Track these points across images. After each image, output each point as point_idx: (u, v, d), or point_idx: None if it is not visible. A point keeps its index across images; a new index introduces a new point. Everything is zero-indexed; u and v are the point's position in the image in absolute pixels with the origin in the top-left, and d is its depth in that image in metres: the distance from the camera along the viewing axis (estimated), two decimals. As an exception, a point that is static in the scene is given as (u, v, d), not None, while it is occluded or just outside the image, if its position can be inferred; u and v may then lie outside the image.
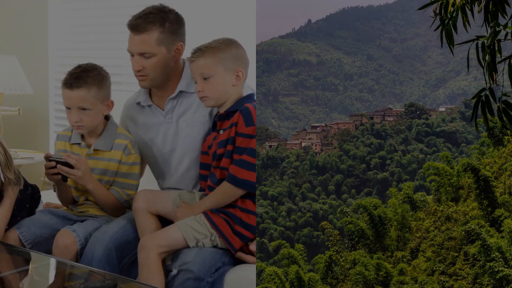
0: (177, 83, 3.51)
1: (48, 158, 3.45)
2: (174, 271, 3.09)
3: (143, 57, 3.41)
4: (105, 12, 5.92)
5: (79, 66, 3.54)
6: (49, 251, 3.43)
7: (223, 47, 3.18)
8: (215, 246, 3.18)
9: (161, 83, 3.50)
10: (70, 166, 3.40)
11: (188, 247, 3.16)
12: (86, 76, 3.45)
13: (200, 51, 3.19)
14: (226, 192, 3.16)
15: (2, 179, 3.32)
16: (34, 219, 3.56)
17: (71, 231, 3.36)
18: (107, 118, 3.62)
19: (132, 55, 3.48)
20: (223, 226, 3.14)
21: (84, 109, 3.44)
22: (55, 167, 3.42)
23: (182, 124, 3.51)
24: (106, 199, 3.52)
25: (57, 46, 6.29)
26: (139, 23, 3.40)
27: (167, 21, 3.41)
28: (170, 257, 3.22)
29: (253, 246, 3.18)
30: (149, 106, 3.61)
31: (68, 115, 3.49)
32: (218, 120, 3.26)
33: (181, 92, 3.50)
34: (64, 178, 3.47)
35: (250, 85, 3.45)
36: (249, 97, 3.25)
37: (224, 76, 3.17)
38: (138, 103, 3.67)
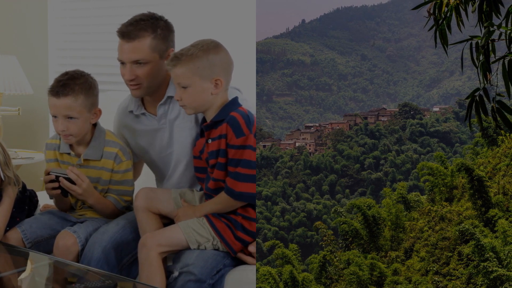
0: (165, 89, 3.46)
1: (48, 172, 3.40)
2: (176, 273, 3.08)
3: (136, 64, 3.34)
4: (105, 12, 5.91)
5: (66, 73, 3.43)
6: (49, 251, 3.42)
7: (200, 54, 3.02)
8: (216, 250, 3.17)
9: (153, 91, 3.45)
10: (72, 181, 3.36)
11: (189, 248, 3.17)
12: (73, 84, 3.36)
13: (176, 59, 3.07)
14: (224, 203, 3.15)
15: (2, 177, 3.31)
16: (35, 219, 3.55)
17: (71, 232, 3.35)
18: (94, 124, 3.52)
19: (123, 63, 3.40)
20: (224, 231, 3.13)
21: (71, 117, 3.35)
22: (54, 180, 3.38)
23: (175, 128, 3.48)
24: (105, 208, 3.50)
25: (57, 46, 6.27)
26: (131, 30, 3.33)
27: (158, 28, 3.35)
28: (171, 258, 3.22)
29: (252, 248, 3.18)
30: (143, 114, 3.57)
31: (54, 124, 3.41)
32: (205, 130, 3.17)
33: (169, 97, 3.46)
34: (65, 193, 3.43)
35: (234, 85, 3.37)
36: (234, 103, 3.15)
37: (202, 85, 3.05)
38: (131, 112, 3.60)
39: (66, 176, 3.34)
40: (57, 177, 3.36)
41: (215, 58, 3.06)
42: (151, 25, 3.33)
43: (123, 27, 3.36)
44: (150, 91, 3.42)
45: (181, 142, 3.46)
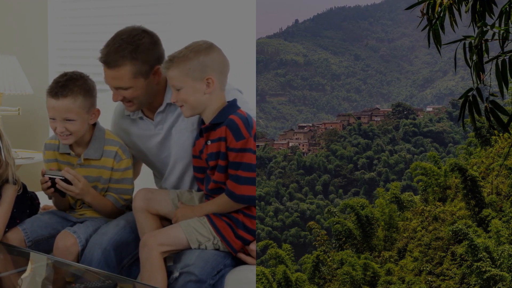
0: (163, 96, 3.44)
1: (43, 174, 3.39)
2: (176, 273, 3.07)
3: (121, 89, 3.30)
4: (105, 12, 5.90)
5: (65, 74, 3.40)
6: (48, 251, 3.42)
7: (192, 55, 3.04)
8: (216, 249, 3.17)
9: (149, 102, 3.43)
10: (68, 182, 3.35)
11: (189, 248, 3.16)
12: (72, 85, 3.34)
13: (170, 62, 3.08)
14: (225, 204, 3.16)
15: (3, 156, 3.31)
16: (36, 218, 3.54)
17: (71, 232, 3.35)
18: (93, 124, 3.51)
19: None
20: (225, 230, 3.13)
21: (69, 119, 3.33)
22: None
23: (174, 132, 3.47)
24: (104, 206, 3.50)
25: (57, 46, 6.26)
26: (111, 60, 3.25)
27: (139, 52, 3.26)
28: (172, 258, 3.21)
29: (253, 246, 3.19)
30: (140, 118, 3.56)
31: (52, 124, 3.39)
32: (204, 131, 3.17)
33: (168, 104, 3.45)
34: (62, 194, 3.42)
35: (236, 87, 3.38)
36: (232, 106, 3.15)
37: (194, 86, 3.06)
38: (128, 115, 3.58)
39: (62, 177, 3.33)
40: (52, 179, 3.34)
41: (206, 59, 3.06)
42: (131, 52, 3.24)
43: (103, 53, 3.26)
44: (144, 105, 3.41)
45: (181, 144, 3.44)
